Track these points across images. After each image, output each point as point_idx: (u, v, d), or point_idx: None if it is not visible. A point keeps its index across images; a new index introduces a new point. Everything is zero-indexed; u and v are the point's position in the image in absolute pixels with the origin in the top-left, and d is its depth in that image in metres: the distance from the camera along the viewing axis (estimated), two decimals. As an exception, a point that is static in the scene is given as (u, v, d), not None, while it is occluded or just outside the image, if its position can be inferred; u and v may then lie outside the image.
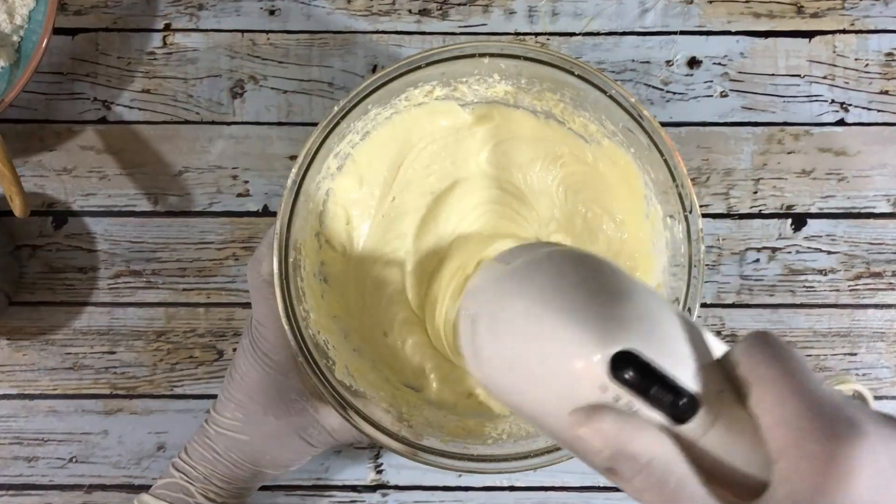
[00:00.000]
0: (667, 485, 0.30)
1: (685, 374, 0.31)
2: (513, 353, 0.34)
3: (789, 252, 0.60)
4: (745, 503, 0.29)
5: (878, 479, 0.27)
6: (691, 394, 0.30)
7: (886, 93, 0.61)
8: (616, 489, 0.60)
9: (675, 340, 0.32)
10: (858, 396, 0.60)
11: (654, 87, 0.61)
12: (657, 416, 0.31)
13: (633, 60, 0.61)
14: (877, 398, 0.60)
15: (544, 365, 0.32)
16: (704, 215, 0.60)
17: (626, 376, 0.30)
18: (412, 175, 0.54)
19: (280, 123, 0.61)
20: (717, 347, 0.33)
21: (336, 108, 0.47)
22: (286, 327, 0.47)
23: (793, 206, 0.61)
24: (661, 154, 0.47)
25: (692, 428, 0.30)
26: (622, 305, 0.32)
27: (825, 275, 0.61)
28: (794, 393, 0.29)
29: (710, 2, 0.61)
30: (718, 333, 0.60)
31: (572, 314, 0.32)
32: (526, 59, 0.48)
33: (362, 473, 0.61)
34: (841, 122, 0.61)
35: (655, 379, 0.30)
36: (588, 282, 0.34)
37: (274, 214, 0.60)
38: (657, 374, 0.30)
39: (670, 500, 0.30)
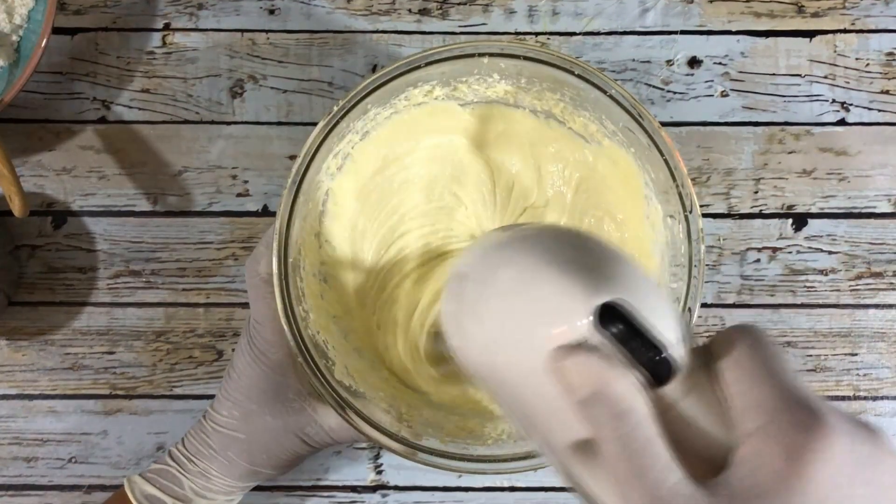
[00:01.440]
0: (634, 440, 0.29)
1: (670, 337, 0.31)
2: (500, 309, 0.34)
3: (790, 252, 0.60)
4: (702, 478, 0.29)
5: (840, 475, 0.27)
6: (673, 355, 0.30)
7: (887, 92, 0.60)
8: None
9: (664, 308, 0.32)
10: None
11: (654, 86, 0.61)
12: (636, 375, 0.30)
13: (634, 60, 0.61)
14: (877, 398, 0.60)
15: (531, 316, 0.32)
16: (705, 215, 0.60)
17: (612, 328, 0.30)
18: (411, 177, 0.54)
19: (280, 123, 0.61)
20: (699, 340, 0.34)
21: (336, 108, 0.47)
22: (285, 327, 0.47)
23: (793, 205, 0.61)
24: (662, 154, 0.47)
25: (667, 392, 0.30)
26: (614, 265, 0.33)
27: (826, 275, 0.60)
28: (768, 379, 0.29)
29: (711, 1, 0.61)
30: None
31: (563, 265, 0.32)
32: (526, 58, 0.48)
33: (362, 474, 0.60)
34: (842, 122, 0.61)
35: (640, 334, 0.30)
36: (582, 245, 0.34)
37: (273, 214, 0.60)
38: (642, 331, 0.30)
39: (632, 457, 0.29)
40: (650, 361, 0.30)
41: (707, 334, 0.60)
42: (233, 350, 0.60)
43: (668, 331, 0.31)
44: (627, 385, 0.30)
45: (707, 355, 0.32)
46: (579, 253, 0.34)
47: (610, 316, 0.30)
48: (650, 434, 0.29)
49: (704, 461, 0.30)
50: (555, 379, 0.31)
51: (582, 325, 0.31)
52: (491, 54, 0.48)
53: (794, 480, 0.27)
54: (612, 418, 0.29)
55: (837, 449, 0.27)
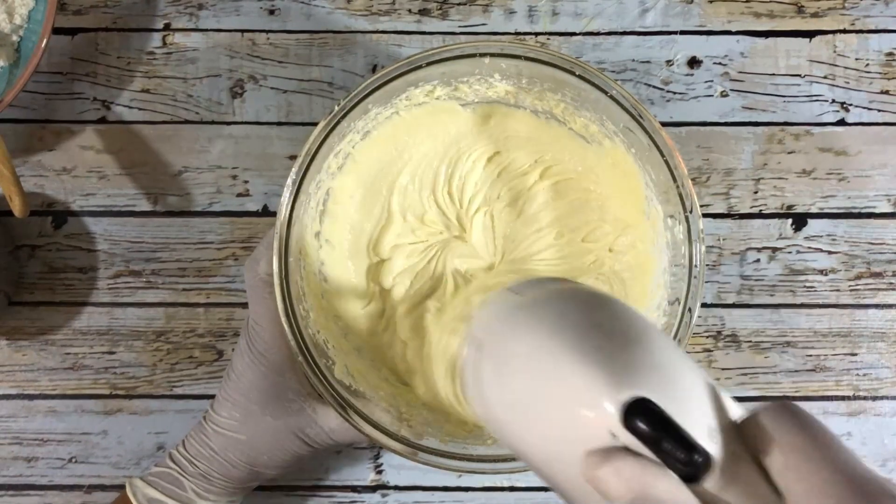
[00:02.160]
0: None
1: (700, 431, 0.29)
2: (521, 390, 0.33)
3: (790, 252, 0.60)
4: None
5: None
6: (706, 452, 0.28)
7: (887, 93, 0.61)
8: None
9: (692, 394, 0.31)
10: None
11: (654, 86, 0.61)
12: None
13: (634, 60, 0.61)
14: (877, 398, 0.60)
15: (553, 404, 0.31)
16: (705, 215, 0.60)
17: (639, 425, 0.29)
18: (414, 180, 0.54)
19: (280, 123, 0.61)
20: (735, 409, 0.32)
21: (337, 108, 0.47)
22: (286, 327, 0.47)
23: (793, 206, 0.61)
24: (662, 154, 0.47)
25: (703, 490, 0.29)
26: (639, 351, 0.31)
27: (826, 275, 0.61)
28: (828, 462, 0.28)
29: (711, 1, 0.61)
30: (719, 333, 0.60)
31: (586, 354, 0.31)
32: (526, 58, 0.48)
33: (362, 474, 0.60)
34: (841, 122, 0.61)
35: (669, 432, 0.29)
36: (604, 324, 0.33)
37: (273, 214, 0.60)
38: (671, 427, 0.29)
39: None
40: (683, 462, 0.28)
41: (708, 333, 0.60)
42: (233, 350, 0.60)
43: (699, 422, 0.30)
44: (671, 485, 0.29)
45: (747, 434, 0.31)
46: (600, 333, 0.32)
47: (638, 409, 0.29)
48: None
49: None
50: (587, 489, 0.30)
51: (609, 423, 0.29)
52: (492, 54, 0.48)
53: None
54: None
55: None
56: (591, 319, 0.33)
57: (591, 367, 0.30)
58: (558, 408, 0.31)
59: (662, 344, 0.32)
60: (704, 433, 0.29)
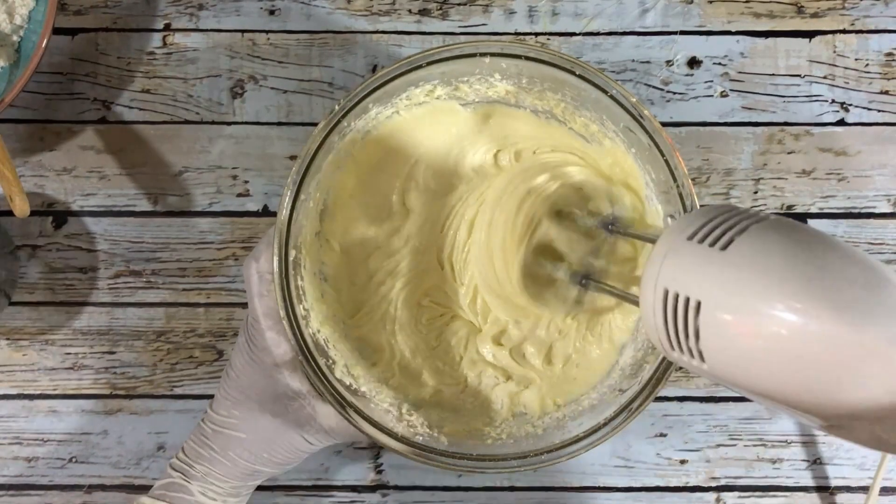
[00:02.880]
0: None
1: None
2: (758, 343, 0.34)
3: (789, 252, 0.60)
4: None
5: None
6: None
7: (887, 93, 0.61)
8: (616, 489, 0.60)
9: None
10: None
11: (654, 87, 0.61)
12: None
13: (633, 60, 0.61)
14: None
15: (807, 351, 0.33)
16: (705, 215, 0.60)
17: None
18: (417, 175, 0.54)
19: (280, 123, 0.61)
20: None
21: (337, 107, 0.47)
22: (286, 326, 0.47)
23: (793, 205, 0.61)
24: (662, 154, 0.47)
25: None
26: (881, 291, 0.33)
27: (825, 275, 0.61)
28: None
29: (711, 2, 0.61)
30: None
31: (834, 304, 0.32)
32: (527, 58, 0.48)
33: (362, 474, 0.60)
34: (841, 122, 0.61)
35: None
36: (835, 262, 0.34)
37: (274, 214, 0.60)
38: None
39: None
40: None
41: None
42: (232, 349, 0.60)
43: None
44: None
45: None
46: (847, 279, 0.33)
47: None
48: None
49: None
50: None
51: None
52: (492, 54, 0.48)
53: None
54: None
55: None
56: (817, 260, 0.34)
57: (853, 325, 0.32)
58: (812, 356, 0.33)
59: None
60: None
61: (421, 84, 0.50)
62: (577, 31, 0.61)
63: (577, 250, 0.52)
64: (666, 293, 0.38)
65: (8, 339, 0.60)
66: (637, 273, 0.52)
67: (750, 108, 0.61)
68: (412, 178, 0.54)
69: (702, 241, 0.37)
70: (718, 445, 0.60)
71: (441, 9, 0.61)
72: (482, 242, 0.52)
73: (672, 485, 0.60)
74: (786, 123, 0.61)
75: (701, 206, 0.46)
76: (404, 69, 0.47)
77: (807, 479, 0.60)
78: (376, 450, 0.60)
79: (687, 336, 0.37)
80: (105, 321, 0.60)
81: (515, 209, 0.51)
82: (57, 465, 0.60)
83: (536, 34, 0.61)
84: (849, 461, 0.60)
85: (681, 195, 0.47)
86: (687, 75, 0.61)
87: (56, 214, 0.60)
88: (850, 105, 0.61)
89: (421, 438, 0.49)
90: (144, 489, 0.52)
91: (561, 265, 0.52)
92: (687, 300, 0.37)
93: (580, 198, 0.53)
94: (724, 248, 0.36)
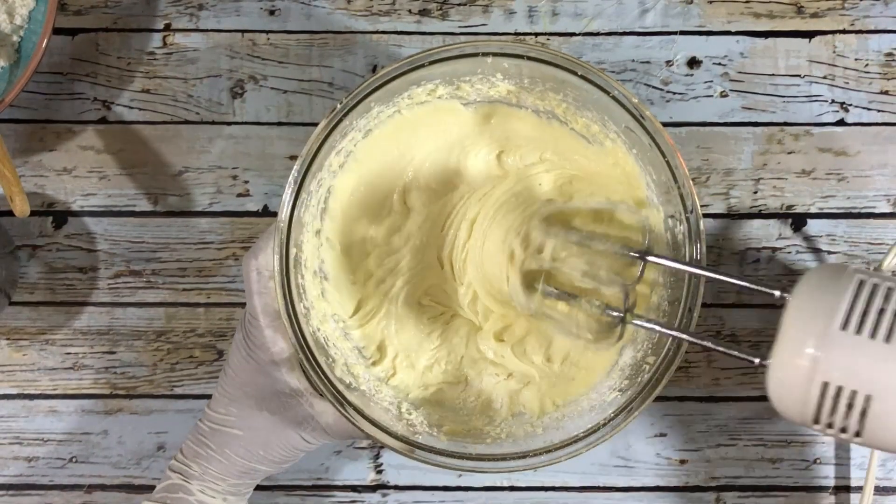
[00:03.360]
0: None
1: None
2: None
3: (789, 252, 0.61)
4: None
5: None
6: None
7: (886, 93, 0.61)
8: (615, 489, 0.60)
9: None
10: None
11: (654, 87, 0.61)
12: None
13: (633, 60, 0.61)
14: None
15: None
16: (704, 215, 0.60)
17: None
18: (418, 174, 0.54)
19: (280, 123, 0.61)
20: None
21: (339, 105, 0.47)
22: (286, 324, 0.47)
23: (793, 206, 0.61)
24: (663, 155, 0.47)
25: None
26: None
27: (825, 275, 0.61)
28: None
29: (710, 2, 0.61)
30: (718, 333, 0.60)
31: None
32: (528, 58, 0.48)
33: (362, 473, 0.61)
34: (841, 122, 0.61)
35: None
36: None
37: (274, 214, 0.60)
38: None
39: None
40: None
41: (707, 333, 0.60)
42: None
43: None
44: None
45: None
46: None
47: None
48: None
49: None
50: None
51: None
52: (494, 54, 0.48)
53: None
54: None
55: None
56: None
57: None
58: None
59: None
60: None
61: (423, 83, 0.51)
62: (577, 32, 0.61)
63: (589, 278, 0.48)
64: (825, 386, 0.38)
65: (8, 339, 0.60)
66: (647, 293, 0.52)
67: (750, 108, 0.61)
68: (413, 176, 0.54)
69: (858, 330, 0.37)
70: (718, 445, 0.60)
71: (441, 9, 0.61)
72: (478, 249, 0.52)
73: (672, 485, 0.60)
74: (786, 123, 0.61)
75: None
76: (406, 68, 0.47)
77: (807, 479, 0.60)
78: (376, 450, 0.60)
79: (847, 420, 0.38)
80: (105, 321, 0.60)
81: (507, 231, 0.51)
82: (57, 464, 0.60)
83: (536, 34, 0.61)
84: (849, 461, 0.60)
85: (681, 195, 0.47)
86: (687, 75, 0.61)
87: (56, 214, 0.60)
88: (850, 105, 0.61)
89: (420, 437, 0.49)
90: (144, 489, 0.52)
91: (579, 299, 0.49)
92: (853, 393, 0.37)
93: (584, 219, 0.52)
94: (888, 339, 0.37)
